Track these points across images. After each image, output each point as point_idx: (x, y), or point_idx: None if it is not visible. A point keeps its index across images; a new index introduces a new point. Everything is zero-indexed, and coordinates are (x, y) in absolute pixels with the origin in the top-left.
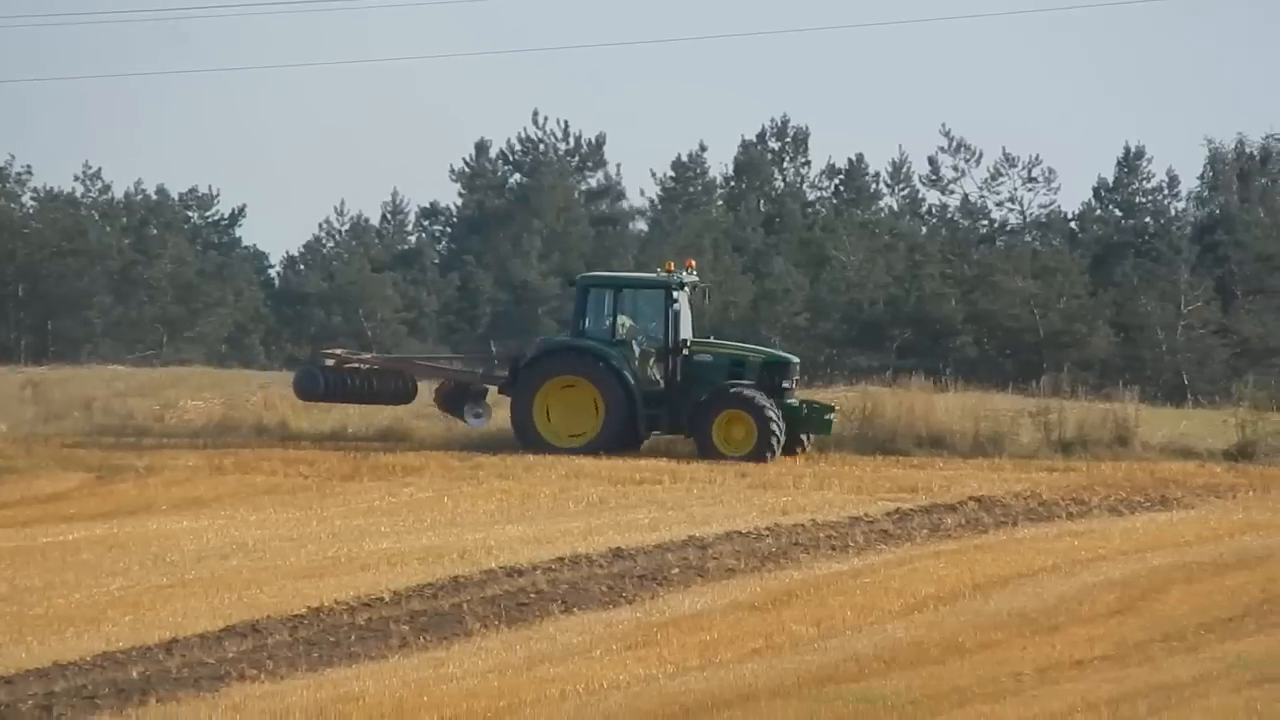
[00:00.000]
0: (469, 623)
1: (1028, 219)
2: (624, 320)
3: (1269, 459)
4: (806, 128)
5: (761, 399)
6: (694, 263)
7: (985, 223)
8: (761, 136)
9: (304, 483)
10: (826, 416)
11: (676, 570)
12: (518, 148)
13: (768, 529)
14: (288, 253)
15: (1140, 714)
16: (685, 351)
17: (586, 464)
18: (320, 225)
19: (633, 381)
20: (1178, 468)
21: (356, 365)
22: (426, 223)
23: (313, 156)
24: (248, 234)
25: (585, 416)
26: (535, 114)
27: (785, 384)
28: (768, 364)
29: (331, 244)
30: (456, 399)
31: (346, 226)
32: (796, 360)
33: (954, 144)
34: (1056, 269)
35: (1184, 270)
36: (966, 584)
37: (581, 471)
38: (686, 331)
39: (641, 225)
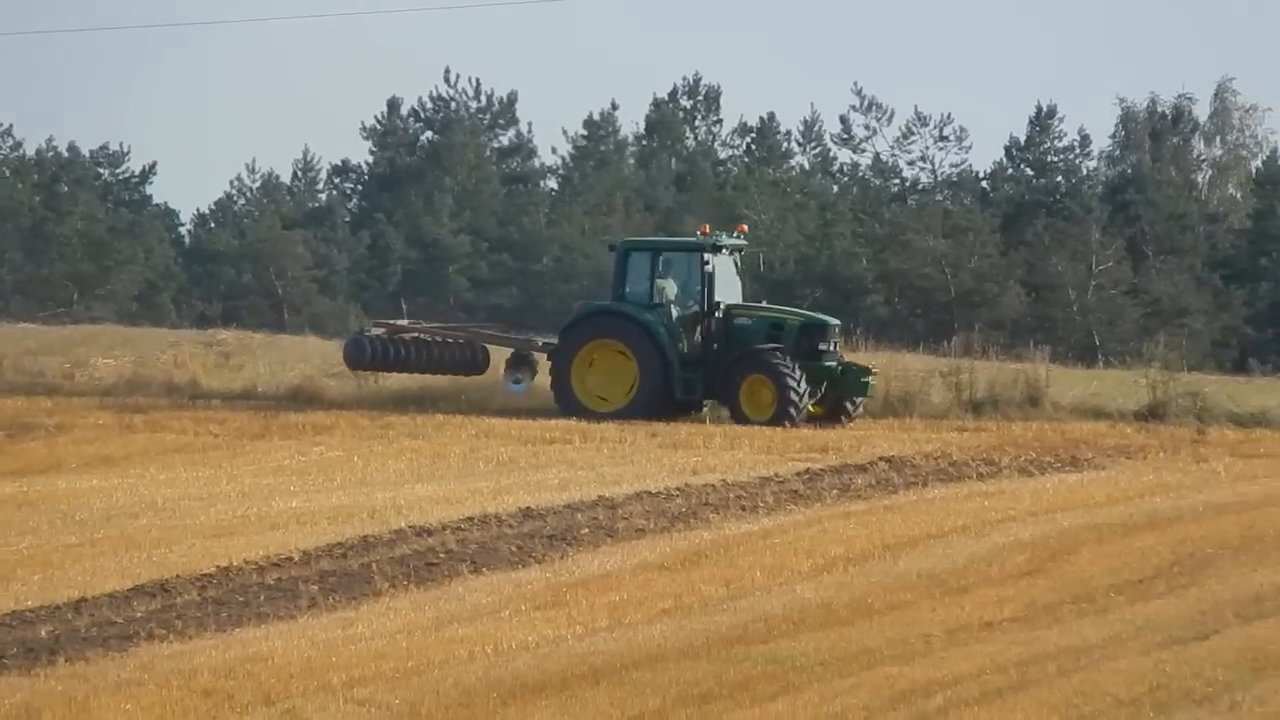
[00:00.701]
0: (378, 583)
1: (939, 178)
2: (662, 284)
3: (1179, 420)
4: (718, 86)
5: (783, 362)
6: (745, 228)
7: (896, 182)
8: (673, 95)
9: (214, 441)
10: (864, 379)
11: (586, 530)
12: (429, 105)
13: (678, 489)
14: (198, 210)
15: (1049, 675)
16: (722, 315)
17: (497, 423)
18: (231, 183)
19: (668, 347)
20: (1088, 428)
21: (417, 335)
22: (338, 180)
23: (224, 113)
24: (159, 192)
25: (622, 382)
26: (447, 71)
27: (823, 346)
28: (805, 326)
29: (242, 202)
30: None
31: (258, 184)
32: (836, 323)
33: (865, 103)
34: (968, 228)
35: (1095, 230)
36: (876, 545)
37: (492, 431)
38: (729, 295)
39: (552, 183)
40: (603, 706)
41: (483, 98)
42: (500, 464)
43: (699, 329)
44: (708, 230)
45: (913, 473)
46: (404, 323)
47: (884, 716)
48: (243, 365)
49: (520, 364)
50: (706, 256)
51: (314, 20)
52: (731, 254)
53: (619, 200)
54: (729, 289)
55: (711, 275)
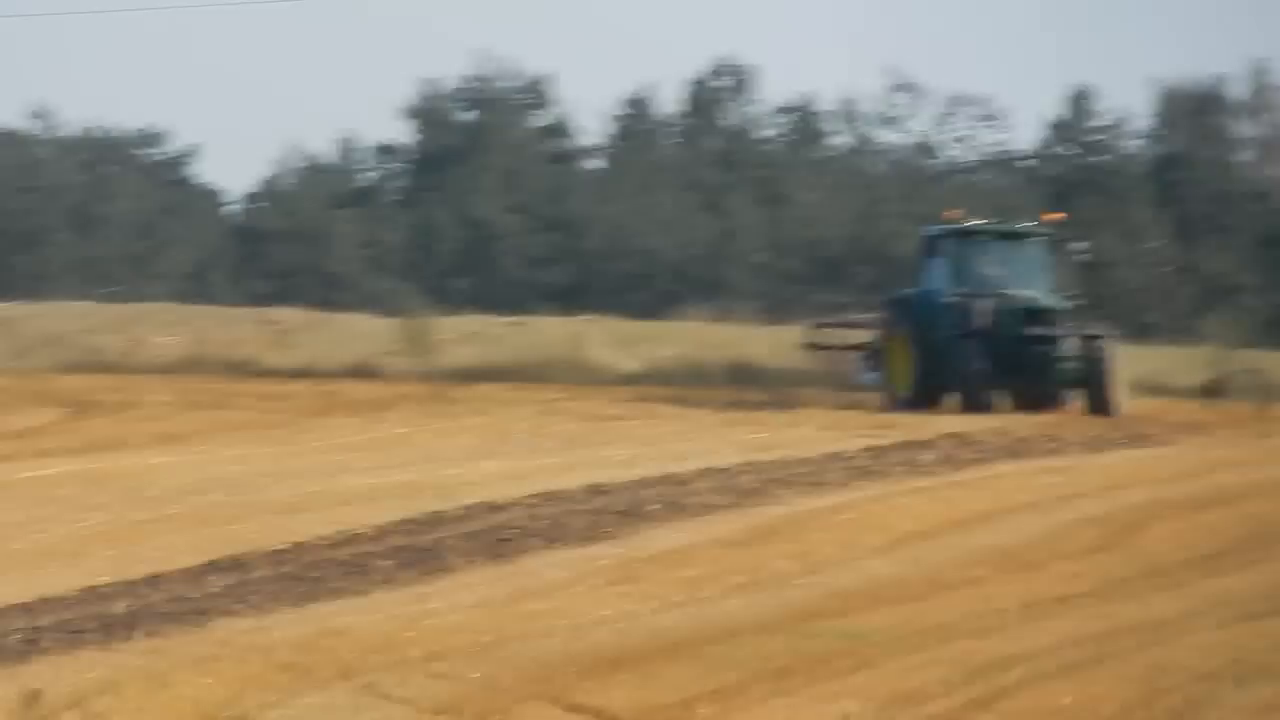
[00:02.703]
0: (450, 558)
1: (981, 158)
2: (975, 270)
3: (1239, 396)
4: (758, 66)
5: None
6: (1059, 216)
7: (938, 162)
8: (715, 74)
9: (278, 418)
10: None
11: (655, 506)
12: (469, 86)
13: (745, 465)
14: (246, 190)
15: (1127, 649)
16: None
17: (560, 400)
18: (276, 163)
19: (945, 337)
20: (1153, 405)
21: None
22: (382, 160)
23: (266, 95)
24: (202, 172)
25: (907, 370)
26: (486, 51)
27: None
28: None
29: (288, 181)
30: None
31: (302, 164)
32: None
33: (904, 84)
34: (1015, 207)
35: (1143, 209)
36: (947, 520)
37: (556, 408)
38: (1037, 284)
39: (597, 162)
40: (681, 681)
41: (524, 77)
42: (566, 440)
43: (1007, 318)
44: (1060, 217)
45: (979, 450)
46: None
47: (962, 691)
48: (301, 343)
49: (876, 353)
50: (1020, 244)
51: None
52: (1047, 243)
53: (664, 180)
54: (1032, 277)
55: (1029, 262)
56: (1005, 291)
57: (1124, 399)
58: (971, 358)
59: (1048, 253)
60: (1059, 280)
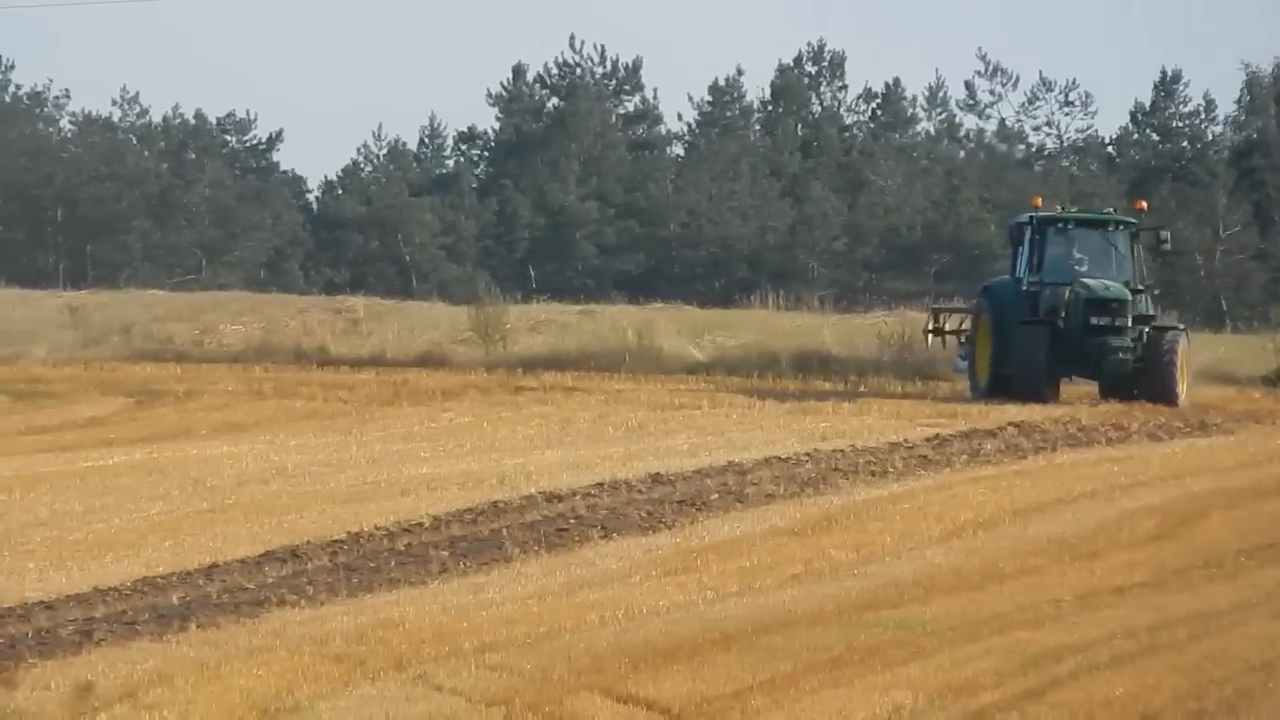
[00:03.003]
0: (508, 548)
1: (1064, 144)
2: (1056, 259)
3: None
4: (843, 52)
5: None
6: (1144, 204)
7: (1021, 148)
8: (798, 61)
9: (343, 408)
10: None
11: (716, 496)
12: (554, 72)
13: (807, 454)
14: (325, 177)
15: (1180, 640)
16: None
17: (626, 389)
18: (358, 150)
19: (1012, 326)
20: (1217, 393)
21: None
22: (464, 147)
23: (351, 81)
24: (285, 159)
25: (987, 358)
26: (572, 38)
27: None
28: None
29: (369, 169)
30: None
31: (384, 151)
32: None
33: (990, 68)
34: (1093, 194)
35: (1222, 195)
36: (1006, 510)
37: (621, 397)
38: (1118, 272)
39: (678, 150)
40: (734, 671)
41: (608, 64)
42: (629, 430)
43: (1094, 310)
44: (1144, 205)
45: (1042, 438)
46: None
47: (1015, 681)
48: (371, 332)
49: (970, 343)
50: (1109, 234)
51: None
52: (1131, 232)
53: (745, 167)
54: (1122, 267)
55: (1122, 253)
56: (1084, 280)
57: (1183, 390)
58: (1032, 347)
59: (1130, 241)
60: (1139, 269)
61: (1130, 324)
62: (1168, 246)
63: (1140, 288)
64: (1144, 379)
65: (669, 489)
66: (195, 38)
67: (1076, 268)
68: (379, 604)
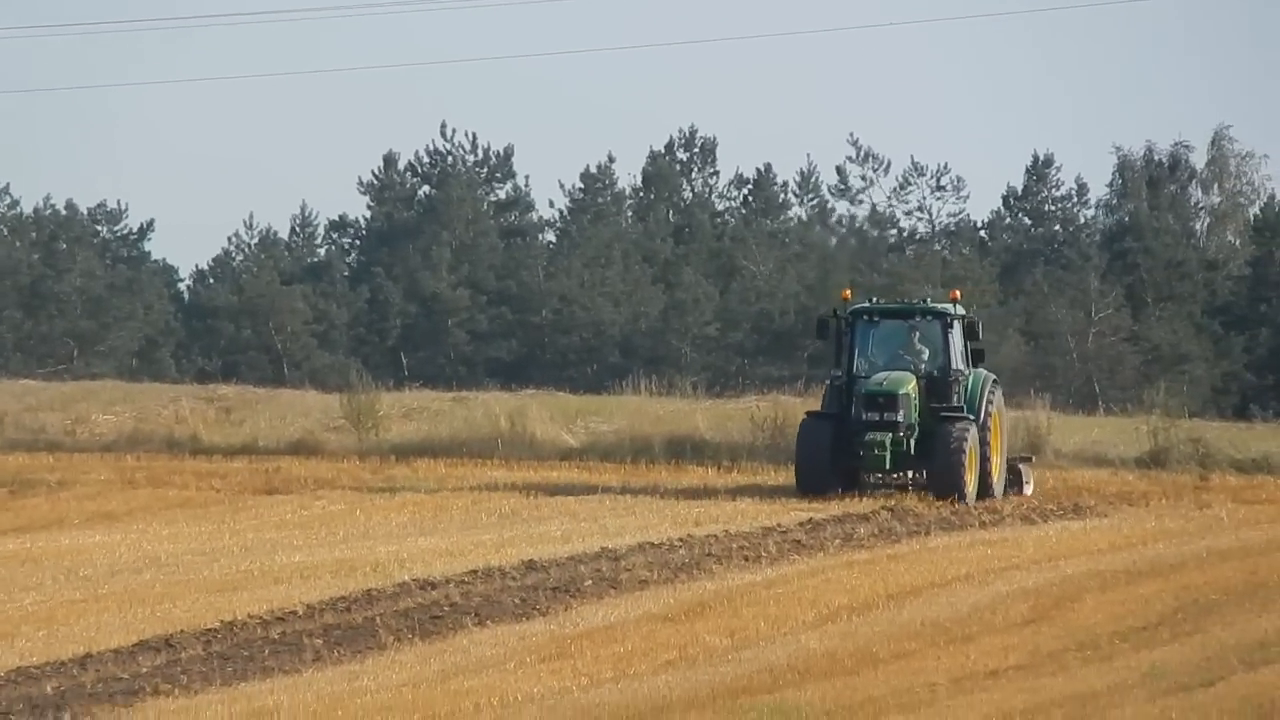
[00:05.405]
0: (382, 636)
1: (936, 228)
2: (865, 349)
3: (1181, 466)
4: (714, 138)
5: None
6: (958, 294)
7: (894, 232)
8: (670, 147)
9: (216, 496)
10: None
11: (589, 582)
12: (426, 160)
13: (680, 540)
14: (197, 266)
15: None
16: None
17: (499, 476)
18: (229, 239)
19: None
20: (1090, 475)
21: None
22: (335, 235)
23: (221, 170)
24: (157, 248)
25: None
26: (443, 126)
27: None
28: None
29: (240, 257)
30: None
31: (255, 240)
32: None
33: (862, 153)
34: (966, 277)
35: (1094, 278)
36: (880, 594)
37: (494, 484)
38: (929, 362)
39: (550, 237)
40: None
41: (479, 151)
42: (502, 516)
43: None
44: (958, 295)
45: (915, 521)
46: None
47: None
48: (243, 420)
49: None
50: (942, 324)
51: (310, 75)
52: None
53: (617, 253)
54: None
55: (949, 341)
56: (870, 374)
57: (971, 484)
58: (813, 440)
59: (942, 331)
60: (954, 358)
61: (902, 417)
62: (979, 337)
63: (952, 377)
64: (931, 472)
65: (543, 575)
66: (65, 129)
67: (876, 360)
68: (253, 692)
